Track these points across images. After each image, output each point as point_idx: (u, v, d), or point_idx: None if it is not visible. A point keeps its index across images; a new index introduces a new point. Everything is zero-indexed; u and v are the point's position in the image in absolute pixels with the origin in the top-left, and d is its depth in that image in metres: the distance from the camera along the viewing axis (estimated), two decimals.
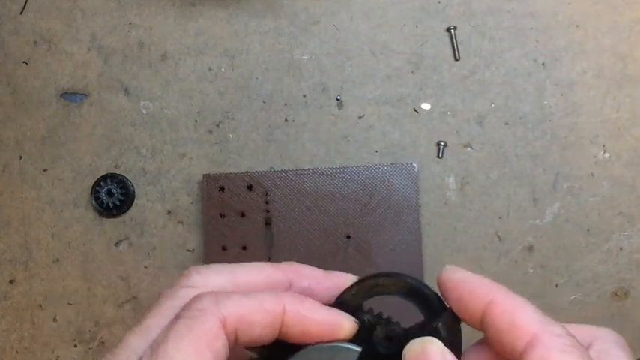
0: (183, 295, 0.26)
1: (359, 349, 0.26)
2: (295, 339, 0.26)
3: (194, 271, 0.27)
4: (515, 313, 0.25)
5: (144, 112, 0.58)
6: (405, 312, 0.28)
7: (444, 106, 0.57)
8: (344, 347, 0.26)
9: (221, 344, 0.24)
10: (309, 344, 0.26)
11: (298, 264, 0.28)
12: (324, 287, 0.28)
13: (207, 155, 0.58)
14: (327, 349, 0.26)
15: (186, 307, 0.25)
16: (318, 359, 0.26)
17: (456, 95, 0.57)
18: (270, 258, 0.56)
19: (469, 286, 0.26)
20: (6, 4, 0.59)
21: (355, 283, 0.28)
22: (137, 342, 0.25)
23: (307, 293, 0.27)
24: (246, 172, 0.56)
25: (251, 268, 0.28)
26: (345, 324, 0.26)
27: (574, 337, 0.24)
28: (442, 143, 0.57)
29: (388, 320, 0.27)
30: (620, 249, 0.56)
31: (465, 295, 0.26)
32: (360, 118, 0.57)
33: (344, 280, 0.28)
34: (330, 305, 0.27)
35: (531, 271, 0.56)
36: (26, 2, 0.59)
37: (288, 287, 0.28)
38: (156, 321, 0.26)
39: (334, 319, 0.26)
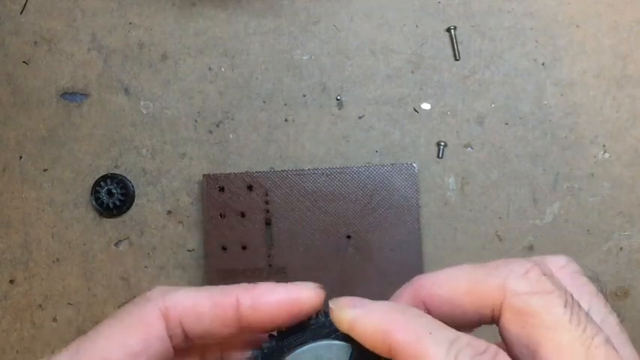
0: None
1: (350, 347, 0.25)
2: (260, 328, 0.25)
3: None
4: None
5: (144, 112, 0.58)
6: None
7: (444, 106, 0.57)
8: (336, 344, 0.25)
9: (155, 333, 0.24)
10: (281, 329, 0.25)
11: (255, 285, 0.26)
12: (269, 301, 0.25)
13: (207, 155, 0.58)
14: (321, 347, 0.25)
15: (137, 297, 0.25)
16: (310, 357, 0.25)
17: (456, 95, 0.57)
18: (270, 257, 0.56)
19: (363, 328, 0.23)
20: (6, 4, 0.59)
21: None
22: None
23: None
24: (246, 172, 0.56)
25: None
26: (304, 294, 0.25)
27: (488, 352, 0.22)
28: (442, 143, 0.57)
29: None
30: (620, 249, 0.56)
31: (362, 339, 0.24)
32: (360, 118, 0.57)
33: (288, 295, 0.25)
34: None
35: None
36: (26, 2, 0.59)
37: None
38: None
39: (292, 295, 0.25)
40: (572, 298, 0.23)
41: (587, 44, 0.57)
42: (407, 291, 0.26)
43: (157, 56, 0.58)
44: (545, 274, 0.23)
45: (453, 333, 0.23)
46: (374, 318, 0.23)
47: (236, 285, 0.25)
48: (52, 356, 0.24)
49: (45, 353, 0.57)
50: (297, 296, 0.25)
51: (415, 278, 0.26)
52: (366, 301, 0.24)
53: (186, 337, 0.25)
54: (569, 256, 0.26)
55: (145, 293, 0.25)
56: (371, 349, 0.23)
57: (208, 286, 0.26)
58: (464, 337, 0.22)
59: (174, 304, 0.24)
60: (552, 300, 0.23)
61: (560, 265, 0.26)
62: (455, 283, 0.25)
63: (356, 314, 0.24)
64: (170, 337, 0.25)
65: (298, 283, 0.25)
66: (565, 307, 0.23)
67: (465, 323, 0.25)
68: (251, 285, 0.25)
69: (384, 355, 0.23)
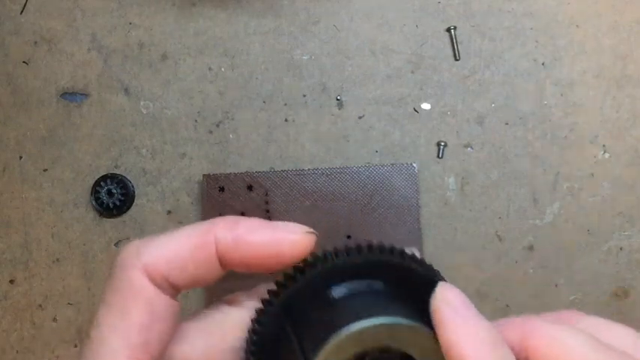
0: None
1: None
2: (240, 268, 0.23)
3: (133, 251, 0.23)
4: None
5: (144, 112, 0.58)
6: None
7: (444, 106, 0.57)
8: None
9: (149, 295, 0.22)
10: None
11: (236, 217, 0.24)
12: (257, 239, 0.23)
13: (207, 155, 0.58)
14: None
15: (111, 267, 0.23)
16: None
17: (456, 95, 0.57)
18: None
19: (449, 336, 0.21)
20: (6, 4, 0.59)
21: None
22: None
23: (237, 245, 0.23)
24: (246, 172, 0.56)
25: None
26: (292, 240, 0.23)
27: None
28: (442, 143, 0.57)
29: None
30: (620, 249, 0.56)
31: (442, 342, 0.21)
32: (360, 118, 0.57)
33: (286, 235, 0.23)
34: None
35: (531, 271, 0.56)
36: (26, 2, 0.59)
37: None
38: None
39: (278, 237, 0.23)
40: None
41: (587, 44, 0.57)
42: (515, 327, 0.23)
43: (156, 56, 0.58)
44: None
45: None
46: (464, 336, 0.21)
47: (216, 219, 0.23)
48: None
49: (45, 353, 0.57)
50: (282, 240, 0.23)
51: (530, 320, 0.23)
52: (471, 310, 0.22)
53: (175, 286, 0.23)
54: None
55: (118, 258, 0.23)
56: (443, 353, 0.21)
57: (185, 227, 0.23)
58: None
59: (152, 261, 0.22)
60: None
61: None
62: (570, 350, 0.22)
63: (454, 320, 0.21)
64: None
65: (287, 224, 0.24)
66: None
67: None
68: (233, 220, 0.23)
69: None
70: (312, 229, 0.24)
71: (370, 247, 0.23)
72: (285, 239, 0.23)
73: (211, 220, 0.23)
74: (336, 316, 0.23)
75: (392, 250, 0.23)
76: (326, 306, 0.23)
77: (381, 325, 0.22)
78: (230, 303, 0.25)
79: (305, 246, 0.23)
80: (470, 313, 0.22)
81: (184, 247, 0.23)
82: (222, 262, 0.23)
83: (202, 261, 0.23)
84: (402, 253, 0.24)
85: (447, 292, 0.22)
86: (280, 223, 0.24)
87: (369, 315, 0.22)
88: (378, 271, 0.24)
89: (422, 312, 0.23)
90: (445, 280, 0.24)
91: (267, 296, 0.24)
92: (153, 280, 0.23)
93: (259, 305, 0.24)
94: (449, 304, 0.22)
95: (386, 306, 0.23)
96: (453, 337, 0.21)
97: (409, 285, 0.24)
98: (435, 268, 0.25)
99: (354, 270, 0.24)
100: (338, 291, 0.24)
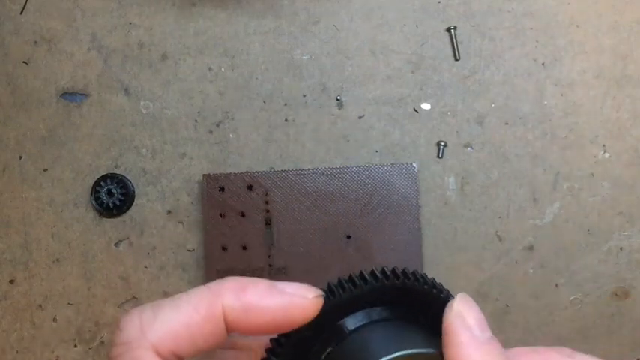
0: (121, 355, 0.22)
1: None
2: (246, 333, 0.23)
3: (129, 322, 0.23)
4: None
5: (144, 112, 0.58)
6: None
7: (444, 106, 0.57)
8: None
9: None
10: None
11: (240, 280, 0.23)
12: (265, 306, 0.22)
13: (207, 155, 0.58)
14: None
15: (113, 344, 0.22)
16: None
17: (456, 95, 0.57)
18: (270, 257, 0.56)
19: (456, 350, 0.21)
20: (6, 4, 0.59)
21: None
22: None
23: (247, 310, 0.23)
24: (246, 172, 0.56)
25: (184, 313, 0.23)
26: (302, 305, 0.22)
27: None
28: (442, 143, 0.57)
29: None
30: (620, 249, 0.56)
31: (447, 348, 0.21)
32: (360, 118, 0.57)
33: (295, 300, 0.22)
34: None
35: (531, 271, 0.56)
36: (26, 2, 0.59)
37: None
38: None
39: (287, 302, 0.22)
40: None
41: (587, 44, 0.57)
42: (534, 356, 0.23)
43: (156, 56, 0.58)
44: None
45: None
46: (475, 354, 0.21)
47: (222, 282, 0.23)
48: None
49: (45, 353, 0.57)
50: (292, 305, 0.22)
51: (550, 350, 0.23)
52: (486, 332, 0.21)
53: (182, 358, 0.23)
54: None
55: (121, 335, 0.22)
56: None
57: (189, 295, 0.23)
58: None
59: (160, 337, 0.22)
60: None
61: None
62: None
63: (466, 340, 0.21)
64: None
65: (296, 287, 0.23)
66: None
67: None
68: (240, 284, 0.23)
69: None
70: (320, 291, 0.23)
71: (373, 273, 0.23)
72: (295, 305, 0.22)
73: (216, 284, 0.23)
74: (351, 352, 0.22)
75: (395, 273, 0.23)
76: (340, 340, 0.23)
77: (400, 356, 0.21)
78: (223, 346, 0.24)
79: (315, 310, 0.23)
80: (484, 335, 0.21)
81: (191, 320, 0.22)
82: (228, 328, 0.23)
83: (210, 333, 0.22)
84: (405, 273, 0.23)
85: (463, 306, 0.22)
86: (288, 286, 0.23)
87: (388, 349, 0.21)
88: (388, 297, 0.23)
89: (435, 333, 0.22)
90: (453, 297, 0.23)
91: (274, 335, 0.23)
92: (161, 356, 0.22)
93: (255, 344, 0.23)
94: (462, 320, 0.21)
95: (401, 335, 0.23)
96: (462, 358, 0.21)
97: (421, 307, 0.23)
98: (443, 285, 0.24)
99: (363, 299, 0.23)
100: (350, 322, 0.23)
